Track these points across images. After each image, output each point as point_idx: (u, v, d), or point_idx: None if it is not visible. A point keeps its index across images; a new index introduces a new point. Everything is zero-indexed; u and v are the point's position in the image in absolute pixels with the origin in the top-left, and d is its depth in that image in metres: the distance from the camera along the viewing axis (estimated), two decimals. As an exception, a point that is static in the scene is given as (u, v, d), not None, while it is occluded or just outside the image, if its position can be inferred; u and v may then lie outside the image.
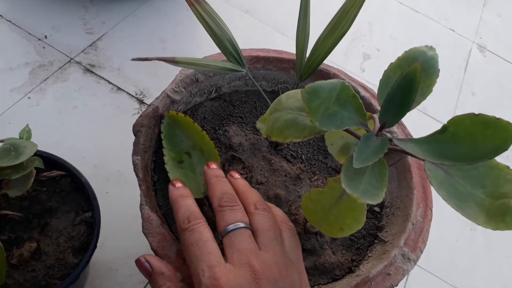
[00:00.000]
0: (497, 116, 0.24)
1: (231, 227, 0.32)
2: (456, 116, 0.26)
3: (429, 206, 0.41)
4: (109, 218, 0.60)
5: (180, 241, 0.32)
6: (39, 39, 0.75)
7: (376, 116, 0.31)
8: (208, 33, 0.36)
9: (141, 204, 0.36)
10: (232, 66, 0.37)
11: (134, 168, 0.37)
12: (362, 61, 0.89)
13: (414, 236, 0.39)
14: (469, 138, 0.25)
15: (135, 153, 0.38)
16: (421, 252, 0.39)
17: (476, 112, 0.25)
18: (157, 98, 0.41)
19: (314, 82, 0.26)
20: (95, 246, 0.44)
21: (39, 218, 0.46)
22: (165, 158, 0.40)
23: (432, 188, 0.44)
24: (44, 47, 0.74)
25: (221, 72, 0.42)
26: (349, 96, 0.28)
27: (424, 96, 0.29)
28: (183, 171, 0.40)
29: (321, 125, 0.27)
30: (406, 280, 0.65)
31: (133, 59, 0.32)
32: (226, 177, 0.37)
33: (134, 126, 0.40)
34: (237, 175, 0.38)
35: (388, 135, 0.45)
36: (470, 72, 0.94)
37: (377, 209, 0.44)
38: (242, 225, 0.32)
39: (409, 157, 0.44)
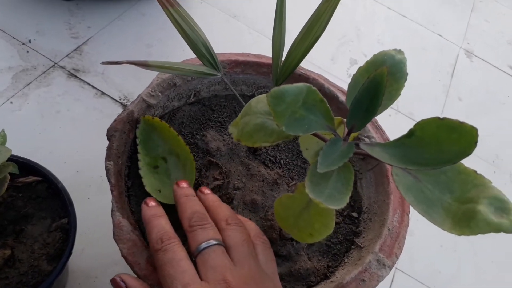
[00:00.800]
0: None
1: (203, 245, 0.31)
2: (422, 120, 0.25)
3: (406, 211, 0.41)
4: (89, 225, 0.59)
5: (154, 262, 0.32)
6: (23, 43, 0.74)
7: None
8: (182, 36, 0.36)
9: (112, 210, 0.36)
10: (206, 70, 0.37)
11: (106, 173, 0.37)
12: (349, 66, 0.89)
13: (390, 242, 0.39)
14: (435, 142, 0.25)
15: (108, 158, 0.38)
16: (397, 258, 0.38)
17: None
18: (132, 102, 0.41)
19: (279, 86, 0.26)
20: (70, 253, 0.44)
21: (14, 225, 0.45)
22: (140, 163, 0.39)
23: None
24: (28, 52, 0.74)
25: (196, 76, 0.42)
26: (316, 100, 0.27)
27: (392, 100, 0.29)
28: (158, 177, 0.40)
29: (288, 129, 0.27)
30: (390, 286, 0.64)
31: (103, 63, 0.32)
32: (196, 193, 0.37)
33: (108, 131, 0.39)
34: (207, 191, 0.38)
35: (367, 140, 0.44)
36: (457, 77, 0.95)
37: (354, 214, 0.44)
38: (214, 242, 0.32)
39: (387, 162, 0.44)
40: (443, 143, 0.25)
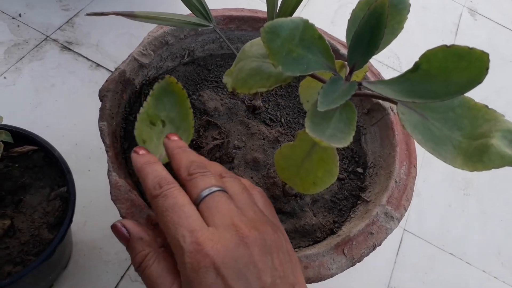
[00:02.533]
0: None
1: (206, 191, 0.29)
2: (428, 51, 0.24)
3: (413, 163, 0.40)
4: (91, 197, 0.59)
5: (153, 209, 0.30)
6: (13, 18, 0.72)
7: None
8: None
9: (108, 171, 0.34)
10: (197, 20, 0.35)
11: (100, 134, 0.36)
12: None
13: (397, 194, 0.37)
14: (443, 73, 0.24)
15: (101, 118, 0.36)
16: (405, 210, 0.37)
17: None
18: (123, 61, 0.40)
19: (273, 20, 0.24)
20: (71, 221, 0.43)
21: (12, 195, 0.44)
22: (141, 110, 0.37)
23: (416, 145, 0.43)
24: (18, 26, 0.72)
25: (187, 28, 0.40)
26: (314, 37, 0.26)
27: (394, 35, 0.27)
28: (150, 131, 0.38)
29: (285, 69, 0.25)
30: (399, 247, 0.63)
31: (87, 14, 0.30)
32: None
33: (100, 91, 0.38)
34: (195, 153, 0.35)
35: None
36: (460, 36, 0.92)
37: (360, 170, 0.42)
38: (217, 188, 0.29)
39: (392, 114, 0.42)
40: (451, 73, 0.23)
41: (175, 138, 0.34)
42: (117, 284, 0.54)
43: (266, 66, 0.27)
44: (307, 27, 0.25)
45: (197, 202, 0.29)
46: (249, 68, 0.28)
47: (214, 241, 0.26)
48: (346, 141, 0.23)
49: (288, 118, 0.45)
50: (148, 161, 0.31)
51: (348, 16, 0.30)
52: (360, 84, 0.26)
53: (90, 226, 0.57)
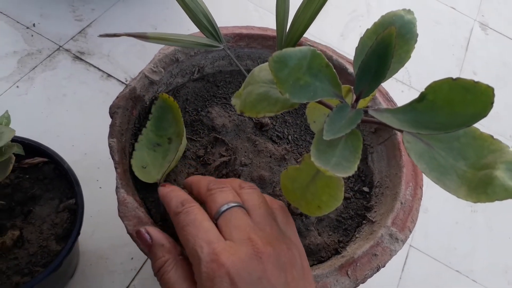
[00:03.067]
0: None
1: (224, 207, 0.30)
2: (434, 82, 0.24)
3: (419, 184, 0.40)
4: (98, 207, 0.59)
5: (175, 226, 0.31)
6: (27, 27, 0.73)
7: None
8: (181, 6, 0.34)
9: (116, 187, 0.35)
10: (208, 41, 0.36)
11: (110, 151, 0.36)
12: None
13: (402, 216, 0.38)
14: (448, 105, 0.24)
15: (111, 135, 0.37)
16: (410, 231, 0.37)
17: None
18: (134, 78, 0.40)
19: (281, 50, 0.24)
20: (79, 233, 0.44)
21: (22, 206, 0.45)
22: (140, 137, 0.38)
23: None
24: (32, 35, 0.73)
25: (197, 49, 0.41)
26: (321, 66, 0.26)
27: (401, 64, 0.27)
28: (153, 154, 0.39)
29: (292, 96, 0.25)
30: (405, 263, 0.63)
31: (100, 35, 0.31)
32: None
33: (110, 108, 0.38)
34: None
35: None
36: (471, 51, 0.92)
37: (366, 189, 0.42)
38: (235, 204, 0.31)
39: (399, 134, 0.42)
40: (456, 106, 0.24)
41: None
42: (123, 294, 0.55)
43: (274, 92, 0.28)
44: (315, 56, 0.25)
45: (216, 217, 0.30)
46: (257, 93, 0.28)
47: (230, 253, 0.27)
48: (351, 170, 0.24)
49: (295, 135, 0.45)
50: (173, 189, 0.34)
51: (359, 29, 0.30)
52: (366, 112, 0.26)
53: (97, 236, 0.57)
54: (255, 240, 0.28)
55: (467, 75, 0.87)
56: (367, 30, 0.28)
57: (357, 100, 0.27)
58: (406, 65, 0.28)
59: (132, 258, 0.57)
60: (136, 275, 0.56)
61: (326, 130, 0.24)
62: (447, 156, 0.26)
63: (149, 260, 0.57)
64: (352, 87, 0.30)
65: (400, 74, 0.84)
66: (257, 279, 0.27)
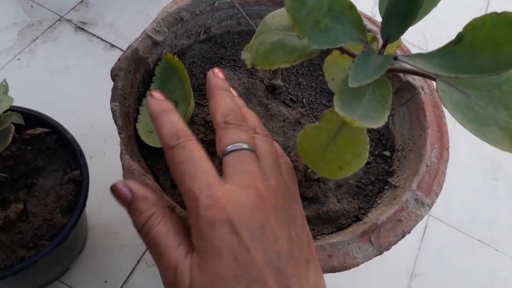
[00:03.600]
0: None
1: (235, 146, 0.27)
2: (474, 20, 0.21)
3: (445, 146, 0.37)
4: (105, 180, 0.57)
5: (167, 160, 0.27)
6: (26, -2, 0.71)
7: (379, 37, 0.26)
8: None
9: (121, 154, 0.33)
10: (214, -7, 0.33)
11: (112, 115, 0.34)
12: (373, 6, 0.83)
13: (428, 179, 0.35)
14: (490, 45, 0.21)
15: (113, 99, 0.34)
16: (437, 195, 0.34)
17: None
18: (136, 39, 0.37)
19: (298, -13, 0.21)
20: (84, 205, 0.42)
21: (25, 178, 0.43)
22: (144, 100, 0.36)
23: (448, 128, 0.40)
24: (32, 6, 0.70)
25: (202, 2, 0.38)
26: (344, 7, 0.23)
27: (434, 3, 0.24)
28: None
29: (312, 41, 0.22)
30: (424, 233, 0.61)
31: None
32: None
33: (111, 71, 0.36)
34: (235, 92, 0.33)
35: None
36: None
37: (387, 153, 0.40)
38: (247, 146, 0.27)
39: (422, 94, 0.39)
40: (501, 45, 0.21)
41: (221, 76, 0.31)
42: (133, 268, 0.53)
43: (290, 39, 0.25)
44: (336, -6, 0.22)
45: (224, 153, 0.27)
46: (271, 42, 0.25)
47: (231, 198, 0.25)
48: (381, 121, 0.21)
49: (310, 98, 0.42)
50: (165, 109, 0.29)
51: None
52: (395, 57, 0.23)
53: (106, 210, 0.56)
54: (260, 188, 0.25)
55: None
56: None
57: (384, 46, 0.24)
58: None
59: (142, 232, 0.55)
60: (147, 249, 0.55)
61: (352, 77, 0.21)
62: (486, 105, 0.23)
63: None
64: (377, 35, 0.27)
65: (417, 38, 0.80)
66: (260, 227, 0.24)
